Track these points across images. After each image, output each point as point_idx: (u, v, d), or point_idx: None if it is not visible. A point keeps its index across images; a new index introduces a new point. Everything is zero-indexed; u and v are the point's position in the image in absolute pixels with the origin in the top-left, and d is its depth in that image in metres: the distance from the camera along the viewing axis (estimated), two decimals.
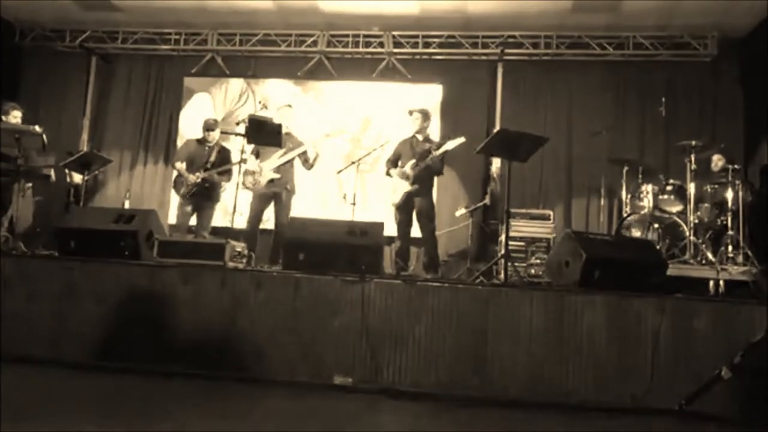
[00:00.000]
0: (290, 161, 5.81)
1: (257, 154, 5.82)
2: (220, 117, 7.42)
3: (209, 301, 3.47)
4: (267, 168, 5.72)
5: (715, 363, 2.98)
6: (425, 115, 5.77)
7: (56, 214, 6.93)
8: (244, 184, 5.67)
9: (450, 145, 5.42)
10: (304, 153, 5.80)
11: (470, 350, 3.26)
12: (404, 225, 5.69)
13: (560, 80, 7.83)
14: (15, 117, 6.22)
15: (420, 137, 5.73)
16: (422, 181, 5.59)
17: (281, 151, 5.71)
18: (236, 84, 8.20)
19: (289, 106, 5.99)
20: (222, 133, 6.23)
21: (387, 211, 5.76)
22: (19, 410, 2.43)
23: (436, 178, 5.90)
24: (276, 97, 7.59)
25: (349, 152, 7.04)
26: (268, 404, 2.96)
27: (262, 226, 5.92)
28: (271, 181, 5.71)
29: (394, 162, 5.78)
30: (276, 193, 5.77)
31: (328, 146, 6.32)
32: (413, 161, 5.57)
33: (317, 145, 5.81)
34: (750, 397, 2.93)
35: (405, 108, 5.94)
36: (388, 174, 5.77)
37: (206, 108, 8.07)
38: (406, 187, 5.56)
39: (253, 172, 5.71)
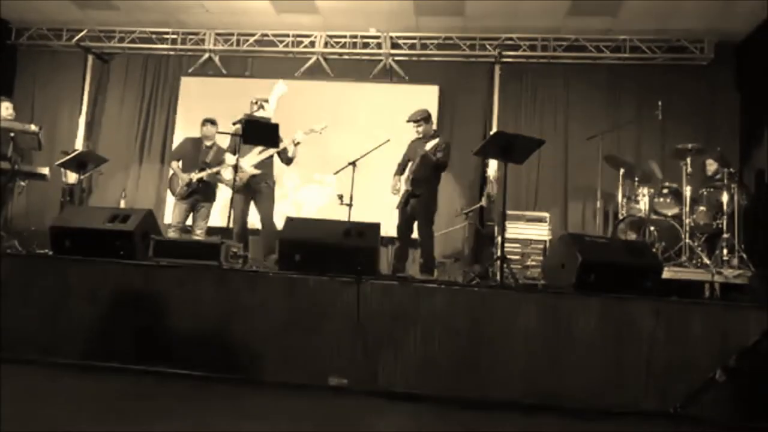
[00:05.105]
0: (270, 157, 5.78)
1: (235, 149, 5.69)
2: None
3: (205, 301, 3.45)
4: (248, 164, 5.68)
5: (709, 366, 2.98)
6: (426, 119, 5.72)
7: (52, 213, 6.92)
8: (223, 179, 5.65)
9: (428, 146, 5.39)
10: (285, 149, 5.73)
11: (466, 352, 3.26)
12: (404, 227, 5.68)
13: (557, 83, 7.85)
14: (7, 108, 6.21)
15: (420, 135, 5.71)
16: (421, 183, 5.54)
17: (260, 147, 5.68)
18: None
19: (266, 100, 5.94)
20: (218, 132, 6.22)
21: (385, 212, 5.73)
22: (17, 410, 2.42)
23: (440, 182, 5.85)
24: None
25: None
26: (263, 405, 2.95)
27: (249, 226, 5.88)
28: (253, 176, 5.68)
29: (402, 167, 5.75)
30: (255, 190, 5.72)
31: (330, 146, 6.26)
32: (411, 163, 5.58)
33: (298, 137, 5.72)
34: (744, 400, 2.94)
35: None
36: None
37: None
38: (406, 187, 5.57)
39: (234, 168, 5.65)
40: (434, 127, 5.93)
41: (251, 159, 5.70)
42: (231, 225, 5.18)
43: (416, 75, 8.03)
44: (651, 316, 3.23)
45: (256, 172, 5.67)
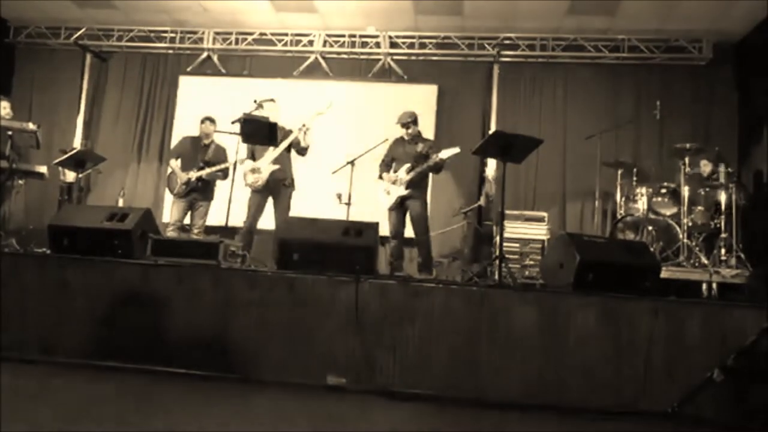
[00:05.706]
0: (287, 153, 5.76)
1: (252, 154, 5.76)
2: None
3: (203, 300, 3.45)
4: (265, 163, 5.67)
5: (707, 365, 2.99)
6: (415, 120, 5.73)
7: (50, 211, 6.91)
8: (245, 182, 5.63)
9: (444, 154, 5.40)
10: (296, 139, 5.69)
11: (464, 351, 3.26)
12: (398, 226, 5.69)
13: (555, 82, 7.85)
14: (5, 107, 6.21)
15: (407, 138, 5.72)
16: (416, 184, 5.58)
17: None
18: None
19: (272, 100, 5.94)
20: (217, 131, 6.21)
21: (383, 211, 5.73)
22: (17, 410, 2.42)
23: (430, 181, 5.87)
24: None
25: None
26: (261, 404, 2.95)
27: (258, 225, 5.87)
28: (272, 173, 5.65)
29: (388, 164, 5.76)
30: (273, 189, 5.70)
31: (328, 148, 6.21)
32: (408, 165, 5.56)
33: (310, 122, 5.69)
34: (742, 400, 2.94)
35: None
36: (380, 177, 5.75)
37: None
38: (399, 189, 5.57)
39: (254, 170, 5.65)
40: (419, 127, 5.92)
41: (268, 157, 5.67)
42: (231, 223, 5.15)
43: (415, 74, 8.03)
44: (649, 315, 3.23)
45: (275, 167, 5.65)
